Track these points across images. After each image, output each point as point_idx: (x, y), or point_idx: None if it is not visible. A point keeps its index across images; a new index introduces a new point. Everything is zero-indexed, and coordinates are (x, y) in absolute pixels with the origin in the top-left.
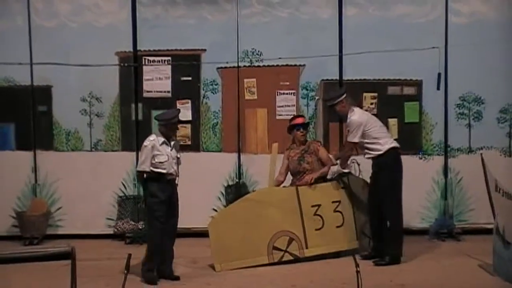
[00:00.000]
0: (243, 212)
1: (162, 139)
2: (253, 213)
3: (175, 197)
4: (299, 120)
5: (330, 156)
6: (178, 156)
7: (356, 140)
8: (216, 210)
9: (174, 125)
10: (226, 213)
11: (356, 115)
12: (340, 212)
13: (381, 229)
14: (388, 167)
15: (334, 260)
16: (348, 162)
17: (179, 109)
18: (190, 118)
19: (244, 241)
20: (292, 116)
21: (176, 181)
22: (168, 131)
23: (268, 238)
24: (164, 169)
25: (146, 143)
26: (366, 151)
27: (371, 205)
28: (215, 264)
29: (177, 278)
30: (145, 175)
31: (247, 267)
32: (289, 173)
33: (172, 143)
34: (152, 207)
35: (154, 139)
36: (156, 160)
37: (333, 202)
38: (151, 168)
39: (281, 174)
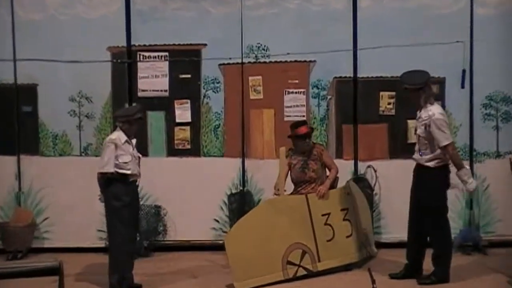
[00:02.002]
0: (258, 223)
1: (124, 138)
2: (268, 224)
3: (138, 200)
4: (303, 130)
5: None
6: (140, 156)
7: (450, 140)
8: (218, 221)
9: (137, 122)
10: (242, 225)
11: (438, 111)
12: (349, 221)
13: (421, 246)
14: (442, 181)
15: (347, 276)
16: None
17: (140, 105)
18: (189, 120)
19: (260, 256)
20: (294, 122)
21: (137, 183)
22: (131, 128)
23: (282, 251)
24: (129, 169)
25: (108, 142)
26: (430, 156)
27: (413, 219)
28: (234, 282)
29: (139, 287)
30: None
31: (264, 286)
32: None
33: (134, 141)
34: (117, 211)
35: (116, 138)
36: (120, 160)
37: (341, 210)
38: (115, 169)
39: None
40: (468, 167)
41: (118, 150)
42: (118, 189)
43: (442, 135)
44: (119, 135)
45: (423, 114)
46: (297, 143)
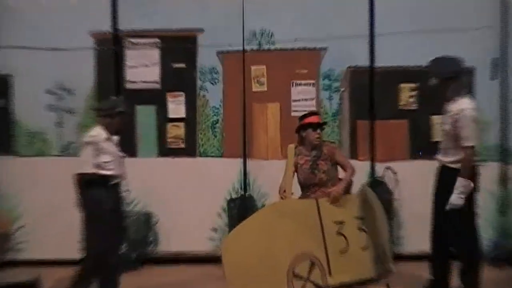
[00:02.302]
0: (260, 229)
1: (105, 134)
2: (271, 231)
3: (122, 203)
4: (314, 119)
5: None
6: (123, 155)
7: (474, 142)
8: (216, 230)
9: (120, 116)
10: (241, 231)
11: (470, 106)
12: (364, 231)
13: (446, 259)
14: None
15: None
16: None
17: (122, 97)
18: (184, 115)
19: (262, 267)
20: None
21: (121, 185)
22: (112, 124)
23: (288, 262)
24: (111, 170)
25: (87, 139)
26: (458, 157)
27: (437, 227)
28: None
29: None
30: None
31: None
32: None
33: (116, 139)
34: (96, 218)
35: (96, 135)
36: (100, 160)
37: (357, 218)
38: (95, 170)
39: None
40: (472, 184)
41: (98, 148)
42: (98, 192)
43: (468, 134)
44: (99, 132)
45: (452, 107)
46: (307, 136)
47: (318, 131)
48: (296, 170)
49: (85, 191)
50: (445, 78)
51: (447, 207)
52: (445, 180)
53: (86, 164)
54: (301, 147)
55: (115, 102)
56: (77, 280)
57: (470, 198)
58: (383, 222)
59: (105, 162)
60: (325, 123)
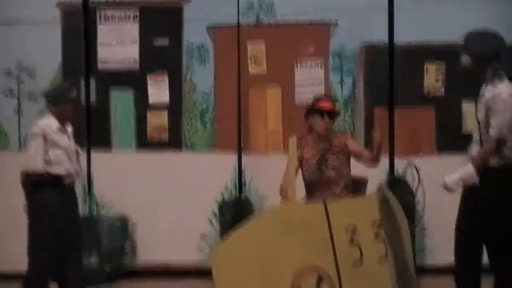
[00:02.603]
0: (257, 239)
1: (56, 125)
2: (271, 241)
3: (78, 209)
4: (325, 105)
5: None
6: (78, 149)
7: (505, 135)
8: (205, 238)
9: (73, 104)
10: (233, 242)
11: (508, 92)
12: (383, 239)
13: (475, 273)
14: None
15: None
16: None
17: (74, 82)
18: (167, 101)
19: (259, 282)
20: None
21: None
22: (64, 112)
23: (290, 276)
24: (63, 167)
25: (35, 130)
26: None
27: (464, 238)
28: None
29: None
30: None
31: None
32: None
33: (69, 130)
34: (44, 224)
35: (45, 125)
36: (51, 155)
37: (372, 224)
38: (45, 167)
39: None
40: (477, 181)
41: (48, 141)
42: (48, 195)
43: (500, 122)
44: (49, 121)
45: (487, 92)
46: (314, 125)
47: (326, 120)
48: (300, 166)
49: (33, 193)
50: (482, 58)
51: (442, 184)
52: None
53: (34, 160)
54: (308, 138)
55: (67, 86)
56: None
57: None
58: (404, 230)
59: (56, 157)
60: (337, 113)
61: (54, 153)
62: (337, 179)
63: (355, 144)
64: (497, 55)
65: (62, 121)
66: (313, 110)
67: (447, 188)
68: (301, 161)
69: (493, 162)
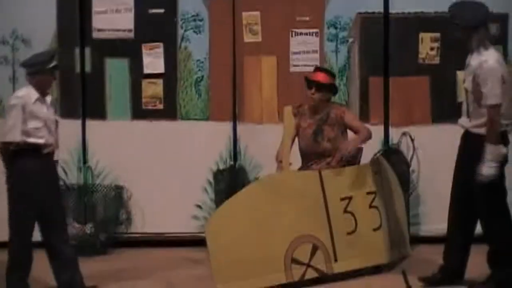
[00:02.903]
0: (251, 207)
1: (35, 95)
2: (265, 209)
3: (57, 177)
4: (318, 77)
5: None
6: (57, 119)
7: (500, 100)
8: (200, 207)
9: (51, 73)
10: (227, 211)
11: (494, 59)
12: (377, 209)
13: (466, 241)
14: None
15: (373, 280)
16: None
17: (54, 49)
18: (162, 71)
19: (254, 251)
20: (314, 66)
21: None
22: (44, 82)
23: (285, 246)
24: (42, 137)
25: (14, 101)
26: (483, 120)
27: (457, 204)
28: (217, 284)
29: None
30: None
31: None
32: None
33: (48, 100)
34: (24, 193)
35: (24, 95)
36: (29, 125)
37: (368, 193)
38: (23, 138)
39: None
40: (504, 149)
41: (26, 112)
42: (27, 164)
43: (491, 90)
44: (28, 92)
45: (473, 60)
46: (308, 95)
47: (313, 91)
48: (297, 134)
49: (12, 163)
50: (468, 27)
51: (478, 180)
52: (468, 148)
53: (12, 130)
54: (306, 107)
55: (46, 55)
56: (9, 266)
57: (500, 170)
58: (399, 198)
59: (35, 128)
60: (331, 86)
61: (32, 124)
62: (332, 151)
63: (352, 118)
64: (482, 24)
65: (41, 91)
66: (307, 80)
67: (488, 177)
68: (298, 129)
69: (483, 129)
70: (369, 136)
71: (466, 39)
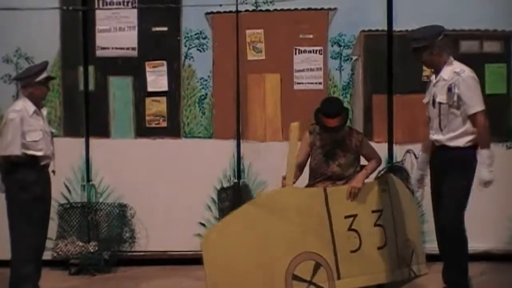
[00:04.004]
0: (249, 225)
1: (32, 108)
2: (264, 226)
3: (50, 190)
4: (331, 123)
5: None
6: (53, 130)
7: (483, 106)
8: (204, 225)
9: (45, 84)
10: (225, 227)
11: (466, 67)
12: (382, 227)
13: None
14: (467, 167)
15: None
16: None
17: (46, 61)
18: (166, 89)
19: (253, 268)
20: (325, 98)
21: (52, 167)
22: (37, 94)
23: (286, 263)
24: (40, 150)
25: (11, 115)
26: (461, 131)
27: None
28: None
29: None
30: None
31: None
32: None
33: (44, 112)
34: (24, 206)
35: (22, 109)
36: (28, 139)
37: (373, 212)
38: (23, 151)
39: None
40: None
41: (25, 125)
42: (26, 176)
43: (474, 99)
44: (25, 105)
45: (445, 74)
46: (324, 134)
47: (333, 132)
48: (310, 153)
49: (10, 175)
50: (416, 48)
51: (479, 186)
52: (445, 163)
53: (12, 145)
54: (319, 127)
55: (37, 67)
56: (12, 283)
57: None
58: (412, 214)
59: (33, 141)
60: (345, 120)
61: (31, 137)
62: (340, 176)
63: (367, 146)
64: (440, 36)
65: (36, 103)
66: (322, 127)
67: (489, 183)
68: (312, 147)
69: (464, 141)
70: (377, 166)
71: (428, 60)
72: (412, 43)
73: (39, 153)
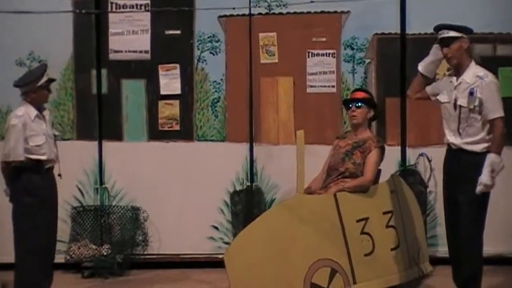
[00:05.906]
0: (269, 234)
1: (34, 112)
2: (283, 235)
3: (56, 193)
4: (356, 95)
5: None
6: (55, 133)
7: (503, 113)
8: (217, 228)
9: (45, 88)
10: (246, 237)
11: (489, 72)
12: (394, 228)
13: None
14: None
15: None
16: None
17: (45, 64)
18: (179, 92)
19: (273, 277)
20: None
21: (58, 171)
22: (38, 98)
23: (304, 271)
24: (44, 154)
25: (14, 121)
26: (481, 136)
27: (452, 222)
28: None
29: None
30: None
31: None
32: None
33: (47, 116)
34: (30, 210)
35: (24, 114)
36: (31, 143)
37: (384, 213)
38: (26, 155)
39: (323, 172)
40: (503, 163)
41: (27, 130)
42: (31, 180)
43: (495, 104)
44: (27, 110)
45: (467, 77)
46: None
47: (353, 108)
48: (333, 153)
49: (14, 180)
50: (446, 40)
51: (477, 190)
52: (460, 167)
53: (15, 150)
54: (349, 133)
55: (37, 72)
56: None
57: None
58: (417, 215)
59: (37, 145)
60: (373, 105)
61: (34, 141)
62: (353, 174)
63: (372, 157)
64: (469, 31)
65: (38, 107)
66: (344, 102)
67: (488, 188)
68: (335, 150)
69: (481, 147)
70: (361, 188)
71: (455, 55)
72: (443, 32)
73: (43, 157)
